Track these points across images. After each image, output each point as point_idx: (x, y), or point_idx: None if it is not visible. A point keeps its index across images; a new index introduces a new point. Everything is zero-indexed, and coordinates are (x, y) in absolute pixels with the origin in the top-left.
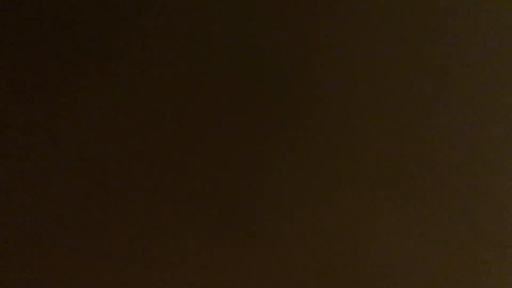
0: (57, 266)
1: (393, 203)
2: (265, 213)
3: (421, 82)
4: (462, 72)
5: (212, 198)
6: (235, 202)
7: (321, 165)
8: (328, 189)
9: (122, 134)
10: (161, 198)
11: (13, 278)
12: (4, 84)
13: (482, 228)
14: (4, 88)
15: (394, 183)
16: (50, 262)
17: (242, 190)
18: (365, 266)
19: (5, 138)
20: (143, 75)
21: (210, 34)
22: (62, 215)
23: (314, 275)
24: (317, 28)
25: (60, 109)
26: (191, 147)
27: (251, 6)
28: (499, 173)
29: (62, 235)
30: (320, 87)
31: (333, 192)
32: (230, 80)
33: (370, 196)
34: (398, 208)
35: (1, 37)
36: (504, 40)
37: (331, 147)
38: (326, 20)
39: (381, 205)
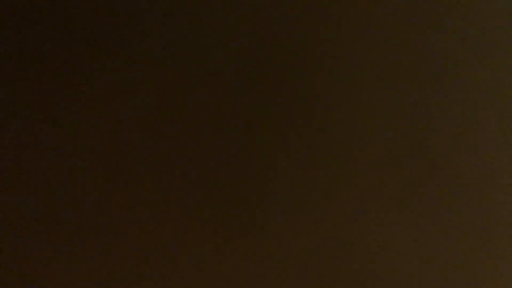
0: (57, 265)
1: (393, 203)
2: (265, 213)
3: (420, 83)
4: (461, 73)
5: (212, 197)
6: (235, 202)
7: (320, 165)
8: (328, 189)
9: (122, 133)
10: (161, 197)
11: (13, 277)
12: (4, 84)
13: (482, 228)
14: (4, 88)
15: (394, 183)
16: (50, 261)
17: (241, 190)
18: (365, 265)
19: (5, 138)
20: (144, 75)
21: (210, 34)
22: (63, 214)
23: (313, 274)
24: (317, 29)
25: (60, 108)
26: (192, 147)
27: (251, 6)
28: (498, 173)
29: (62, 235)
30: (319, 88)
31: (333, 192)
32: (230, 80)
33: (369, 195)
34: (398, 208)
35: (1, 37)
36: (504, 40)
37: (331, 146)
38: (326, 20)
39: (380, 204)
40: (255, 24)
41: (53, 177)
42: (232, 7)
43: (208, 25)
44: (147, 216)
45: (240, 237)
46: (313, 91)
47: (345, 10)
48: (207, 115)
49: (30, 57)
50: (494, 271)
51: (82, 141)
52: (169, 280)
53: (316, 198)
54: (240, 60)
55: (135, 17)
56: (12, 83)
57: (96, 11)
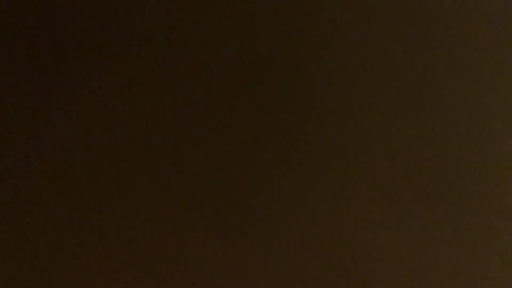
0: (56, 266)
1: (393, 203)
2: (265, 214)
3: (420, 83)
4: (462, 72)
5: (211, 197)
6: (234, 203)
7: (320, 166)
8: (328, 190)
9: (121, 133)
10: (160, 197)
11: (13, 278)
12: (3, 83)
13: (482, 229)
14: (3, 87)
15: (394, 183)
16: (50, 262)
17: (241, 191)
18: (365, 266)
19: (4, 138)
20: (143, 74)
21: (209, 34)
22: (62, 214)
23: (313, 274)
24: (316, 29)
25: (59, 108)
26: (191, 147)
27: (251, 6)
28: (499, 173)
29: (60, 235)
30: (319, 87)
31: (333, 193)
32: (229, 80)
33: (369, 196)
34: (398, 208)
35: (0, 36)
36: (504, 40)
37: (331, 147)
38: (325, 20)
39: (380, 205)
40: (254, 24)
41: (52, 176)
42: (232, 8)
43: (208, 25)
44: (146, 215)
45: (239, 238)
46: (313, 92)
47: (345, 10)
48: (206, 115)
49: (29, 56)
50: (495, 271)
51: (81, 141)
52: (169, 281)
53: (316, 199)
54: (240, 61)
55: (135, 16)
56: (11, 82)
57: (95, 10)
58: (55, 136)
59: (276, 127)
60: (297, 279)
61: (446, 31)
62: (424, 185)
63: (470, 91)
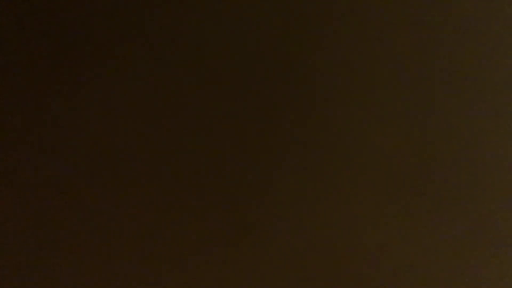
0: (55, 266)
1: (393, 203)
2: (264, 214)
3: (421, 83)
4: (463, 73)
5: (211, 197)
6: (233, 203)
7: (320, 167)
8: (327, 190)
9: (120, 132)
10: (159, 196)
11: (13, 278)
12: (3, 83)
13: (481, 230)
14: (2, 87)
15: (393, 182)
16: (49, 262)
17: (240, 191)
18: (364, 266)
19: (4, 137)
20: (141, 74)
21: (208, 33)
22: (61, 214)
23: (312, 275)
24: (316, 28)
25: (57, 108)
26: (190, 146)
27: (250, 5)
28: (498, 173)
29: (60, 235)
30: (320, 86)
31: (332, 193)
32: (229, 80)
33: (368, 196)
34: (398, 209)
35: (0, 35)
36: (505, 40)
37: (330, 148)
38: (325, 19)
39: (380, 206)
40: (254, 23)
41: (52, 176)
42: (231, 7)
43: (208, 24)
44: (146, 215)
45: (239, 238)
46: (313, 92)
47: (346, 10)
48: (207, 115)
49: (29, 55)
50: (494, 272)
51: (80, 141)
52: (170, 281)
53: (315, 200)
54: (240, 60)
55: (135, 16)
56: (10, 82)
57: (95, 9)
58: (55, 136)
59: (276, 127)
60: (298, 280)
61: (447, 31)
62: (424, 184)
63: (471, 91)
